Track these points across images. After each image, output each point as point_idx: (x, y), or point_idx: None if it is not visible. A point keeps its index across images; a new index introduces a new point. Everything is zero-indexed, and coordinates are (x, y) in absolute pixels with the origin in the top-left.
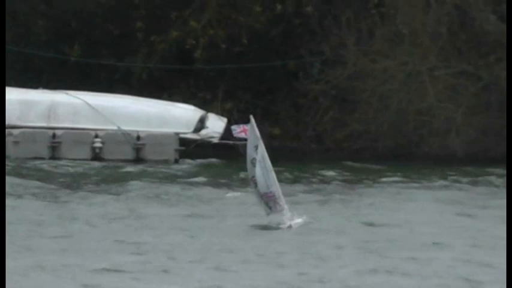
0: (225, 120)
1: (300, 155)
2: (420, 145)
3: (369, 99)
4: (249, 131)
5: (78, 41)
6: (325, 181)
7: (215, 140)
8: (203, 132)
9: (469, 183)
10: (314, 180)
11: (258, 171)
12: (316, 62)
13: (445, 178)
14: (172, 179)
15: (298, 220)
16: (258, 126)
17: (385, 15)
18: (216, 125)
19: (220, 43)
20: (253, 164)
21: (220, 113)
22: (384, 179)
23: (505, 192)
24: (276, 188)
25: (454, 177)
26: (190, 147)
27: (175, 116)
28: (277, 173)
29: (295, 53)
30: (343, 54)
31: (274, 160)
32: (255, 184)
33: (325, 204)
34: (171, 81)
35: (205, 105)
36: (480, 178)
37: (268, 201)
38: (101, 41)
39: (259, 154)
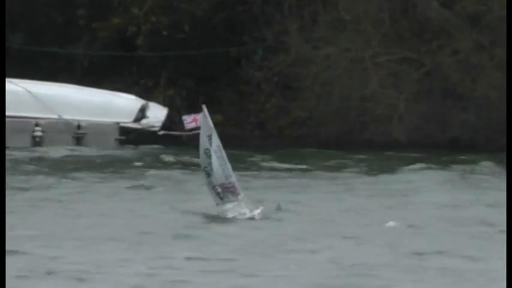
0: (166, 109)
1: (242, 141)
2: (363, 132)
3: (311, 86)
4: (202, 121)
5: (20, 28)
6: (266, 168)
7: (156, 129)
8: (144, 121)
9: (400, 170)
10: (256, 167)
11: (215, 162)
12: (258, 48)
13: (374, 165)
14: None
15: (258, 210)
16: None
17: (328, 2)
18: (157, 114)
19: (162, 30)
20: (207, 155)
21: (163, 100)
22: (322, 165)
23: (433, 177)
24: (235, 178)
25: (386, 164)
26: (130, 137)
27: (116, 106)
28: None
29: (238, 40)
30: (286, 41)
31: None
32: (208, 175)
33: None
34: (113, 68)
35: (148, 92)
36: (415, 165)
37: (224, 192)
38: (44, 28)
39: (214, 144)
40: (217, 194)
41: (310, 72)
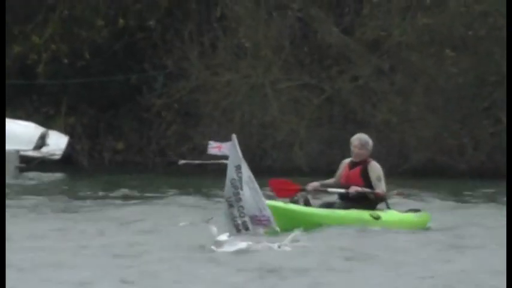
0: (67, 137)
1: (144, 169)
2: (264, 158)
3: (212, 112)
4: (231, 150)
5: None
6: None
7: (57, 157)
8: (44, 149)
9: None
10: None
11: (247, 193)
12: (159, 76)
13: None
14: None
15: (286, 245)
16: (101, 141)
17: (228, 29)
18: (58, 141)
19: (62, 58)
20: (233, 185)
21: (64, 128)
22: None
23: None
24: (269, 211)
25: None
26: (31, 165)
27: (15, 133)
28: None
29: (138, 67)
30: (186, 68)
31: (119, 174)
32: (230, 205)
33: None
34: (14, 96)
35: (49, 120)
36: None
37: (253, 225)
38: None
39: (244, 175)
40: (236, 226)
41: (211, 99)
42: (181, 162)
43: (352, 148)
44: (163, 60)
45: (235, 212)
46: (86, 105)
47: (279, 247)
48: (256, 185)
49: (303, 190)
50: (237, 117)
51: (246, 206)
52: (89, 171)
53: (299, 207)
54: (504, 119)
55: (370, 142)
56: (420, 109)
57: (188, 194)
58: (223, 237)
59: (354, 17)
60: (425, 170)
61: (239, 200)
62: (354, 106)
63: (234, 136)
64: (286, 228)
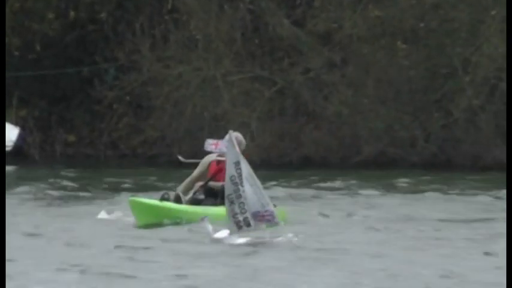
0: (18, 128)
1: (95, 161)
2: None
3: (163, 105)
4: (228, 147)
5: None
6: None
7: (9, 149)
8: None
9: None
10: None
11: (249, 190)
12: (110, 68)
13: None
14: None
15: (290, 235)
16: (52, 133)
17: (179, 21)
18: (8, 133)
19: (14, 50)
20: (233, 182)
21: (15, 120)
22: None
23: None
24: (272, 206)
25: None
26: None
27: None
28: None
29: (90, 60)
30: (138, 60)
31: (70, 167)
32: (231, 202)
33: None
34: None
35: None
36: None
37: (255, 221)
38: None
39: (244, 171)
40: (237, 222)
41: (162, 91)
42: (182, 159)
43: None
44: (115, 53)
45: (236, 209)
46: (38, 98)
47: (297, 237)
48: (257, 181)
49: (165, 198)
50: (188, 109)
51: (247, 203)
52: (40, 163)
53: (169, 205)
54: (455, 112)
55: (244, 142)
56: (371, 101)
57: (140, 186)
58: (222, 234)
59: (306, 9)
60: (376, 162)
61: (239, 196)
62: (306, 98)
63: (231, 132)
64: (151, 223)
